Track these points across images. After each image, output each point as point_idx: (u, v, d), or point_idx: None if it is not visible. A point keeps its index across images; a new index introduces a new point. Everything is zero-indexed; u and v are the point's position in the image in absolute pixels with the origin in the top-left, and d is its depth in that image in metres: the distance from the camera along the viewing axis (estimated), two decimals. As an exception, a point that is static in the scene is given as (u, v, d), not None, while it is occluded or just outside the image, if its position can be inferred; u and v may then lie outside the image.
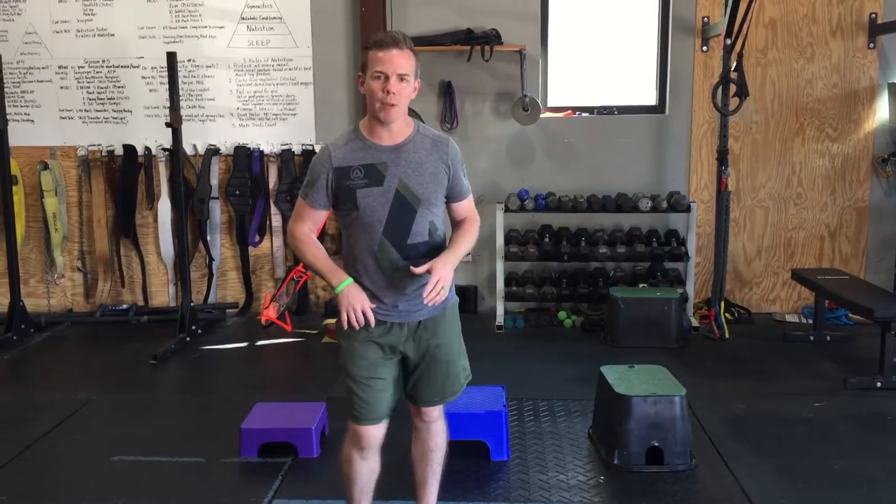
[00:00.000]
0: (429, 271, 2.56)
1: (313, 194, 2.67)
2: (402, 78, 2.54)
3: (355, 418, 2.75)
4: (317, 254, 2.70)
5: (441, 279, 2.55)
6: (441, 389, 2.80)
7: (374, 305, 2.64)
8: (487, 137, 6.07)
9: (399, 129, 2.64)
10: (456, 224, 2.82)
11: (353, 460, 2.82)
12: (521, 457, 3.75)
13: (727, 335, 5.55)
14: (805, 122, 6.01)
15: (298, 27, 6.07)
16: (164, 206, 6.22)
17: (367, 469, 2.84)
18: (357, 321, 2.59)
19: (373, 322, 2.62)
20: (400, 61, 2.53)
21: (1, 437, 4.04)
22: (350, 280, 2.63)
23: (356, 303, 2.59)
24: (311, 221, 2.72)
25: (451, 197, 2.74)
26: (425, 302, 2.56)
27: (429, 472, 2.94)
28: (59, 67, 6.22)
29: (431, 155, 2.66)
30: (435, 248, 2.69)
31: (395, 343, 2.70)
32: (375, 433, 2.77)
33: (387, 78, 2.53)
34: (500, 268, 5.86)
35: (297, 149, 6.17)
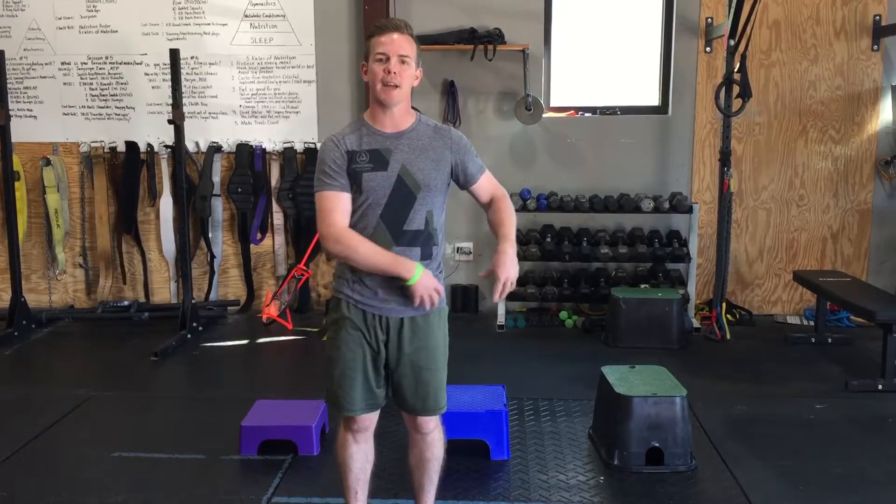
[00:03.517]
0: (493, 275, 2.63)
1: (335, 179, 2.61)
2: (403, 60, 2.58)
3: (336, 406, 2.78)
4: (374, 249, 2.58)
5: (509, 279, 2.62)
6: (417, 400, 2.76)
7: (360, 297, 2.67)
8: (490, 137, 6.06)
9: (401, 116, 2.66)
10: (486, 206, 2.81)
11: (347, 444, 2.84)
12: (521, 456, 3.75)
13: (728, 336, 5.55)
14: (808, 124, 6.01)
15: (301, 25, 6.07)
16: (166, 202, 6.22)
17: (361, 454, 2.85)
18: (434, 302, 2.62)
19: (436, 301, 2.64)
20: (401, 43, 2.58)
21: (1, 433, 4.04)
22: (421, 266, 2.60)
23: (431, 287, 2.60)
24: (341, 211, 2.61)
25: (468, 180, 2.74)
26: (494, 300, 2.64)
27: (426, 479, 2.93)
28: (62, 63, 6.22)
29: (435, 142, 2.68)
30: (430, 239, 2.68)
31: (378, 338, 2.69)
32: (366, 420, 2.80)
33: (388, 59, 2.57)
34: (501, 267, 5.84)
35: (299, 147, 6.17)
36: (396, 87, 2.57)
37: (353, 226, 2.63)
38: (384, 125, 2.65)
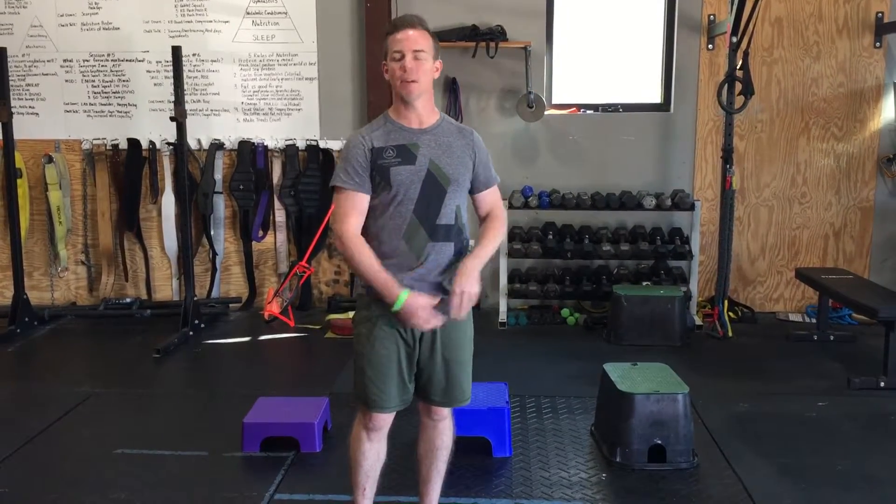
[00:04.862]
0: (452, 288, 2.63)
1: (354, 178, 2.63)
2: (417, 55, 2.61)
3: (368, 405, 2.76)
4: (372, 265, 2.60)
5: (465, 293, 2.59)
6: (446, 392, 2.79)
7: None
8: (492, 134, 6.04)
9: (425, 113, 2.69)
10: (482, 219, 2.81)
11: (361, 441, 2.83)
12: (523, 453, 3.75)
13: (730, 334, 5.54)
14: (810, 121, 6.00)
15: (303, 22, 6.07)
16: (168, 200, 6.23)
17: (374, 452, 2.84)
18: (430, 323, 2.62)
19: (438, 322, 2.64)
20: (416, 39, 2.62)
21: (4, 430, 4.04)
22: (406, 293, 2.58)
23: (420, 313, 2.59)
24: (357, 212, 2.64)
25: (477, 186, 2.75)
26: (452, 315, 2.61)
27: (433, 470, 2.94)
28: (64, 61, 6.22)
29: (459, 140, 2.71)
30: (459, 234, 2.71)
31: (414, 334, 2.71)
32: (386, 419, 2.80)
33: (403, 56, 2.60)
34: (503, 265, 5.86)
35: (301, 144, 6.17)
36: (414, 81, 2.60)
37: (386, 222, 2.65)
38: (409, 121, 2.68)
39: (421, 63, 2.61)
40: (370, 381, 2.73)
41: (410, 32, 2.63)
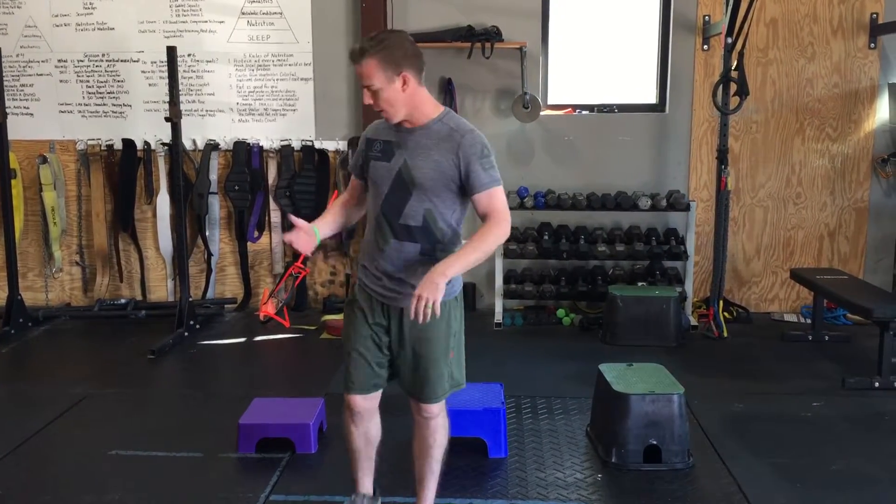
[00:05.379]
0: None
1: (352, 162, 2.93)
2: (370, 88, 2.63)
3: (344, 386, 2.88)
4: (329, 210, 3.00)
5: (423, 298, 2.50)
6: (416, 386, 2.82)
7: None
8: (487, 135, 5.80)
9: (418, 116, 2.70)
10: (481, 220, 2.74)
11: (347, 425, 2.94)
12: (518, 454, 3.75)
13: (726, 334, 5.55)
14: (805, 122, 6.01)
15: (299, 22, 6.06)
16: (163, 200, 6.22)
17: (360, 434, 2.93)
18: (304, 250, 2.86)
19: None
20: (363, 73, 2.63)
21: (-2, 431, 4.04)
22: (317, 234, 2.83)
23: (292, 242, 2.83)
24: (351, 187, 2.96)
25: (469, 189, 2.70)
26: (412, 317, 2.56)
27: (427, 469, 2.95)
28: (59, 61, 6.21)
29: (442, 144, 2.67)
30: (431, 237, 2.71)
31: (381, 322, 2.79)
32: (362, 403, 2.86)
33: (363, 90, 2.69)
34: (498, 265, 5.86)
35: (296, 144, 6.16)
36: (382, 110, 2.67)
37: (369, 210, 2.82)
38: (405, 121, 2.72)
39: (378, 94, 2.62)
40: (344, 364, 2.86)
41: (357, 68, 2.63)
